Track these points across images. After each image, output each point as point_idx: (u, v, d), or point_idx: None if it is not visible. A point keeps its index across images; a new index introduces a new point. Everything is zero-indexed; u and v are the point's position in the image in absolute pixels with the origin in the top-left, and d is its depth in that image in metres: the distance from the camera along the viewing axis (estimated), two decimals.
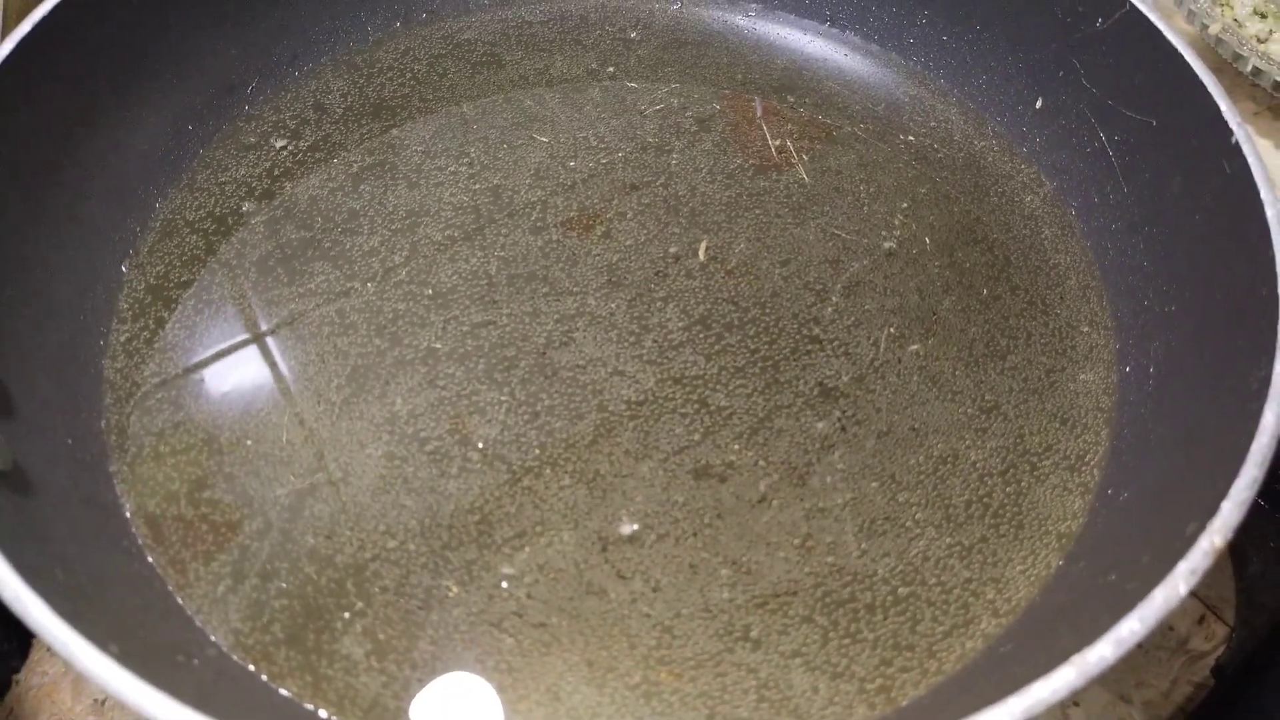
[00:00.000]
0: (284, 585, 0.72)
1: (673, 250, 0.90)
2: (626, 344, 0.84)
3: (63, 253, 0.83)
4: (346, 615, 0.71)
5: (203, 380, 0.81)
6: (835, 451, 0.79)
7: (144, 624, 0.67)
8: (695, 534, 0.75)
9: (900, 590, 0.72)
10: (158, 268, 0.88)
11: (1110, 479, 0.77)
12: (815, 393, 0.82)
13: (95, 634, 0.58)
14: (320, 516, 0.75)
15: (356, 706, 0.68)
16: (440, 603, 0.72)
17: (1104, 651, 0.55)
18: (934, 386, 0.82)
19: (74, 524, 0.71)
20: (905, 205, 0.93)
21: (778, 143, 0.98)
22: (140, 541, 0.73)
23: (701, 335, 0.85)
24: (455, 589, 0.72)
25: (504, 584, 0.73)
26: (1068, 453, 0.79)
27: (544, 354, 0.84)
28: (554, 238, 0.91)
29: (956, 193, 0.95)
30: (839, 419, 0.80)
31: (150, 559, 0.73)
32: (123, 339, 0.84)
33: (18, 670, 0.78)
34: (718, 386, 0.82)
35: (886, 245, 0.91)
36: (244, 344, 0.84)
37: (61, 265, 0.83)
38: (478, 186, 0.94)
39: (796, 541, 0.75)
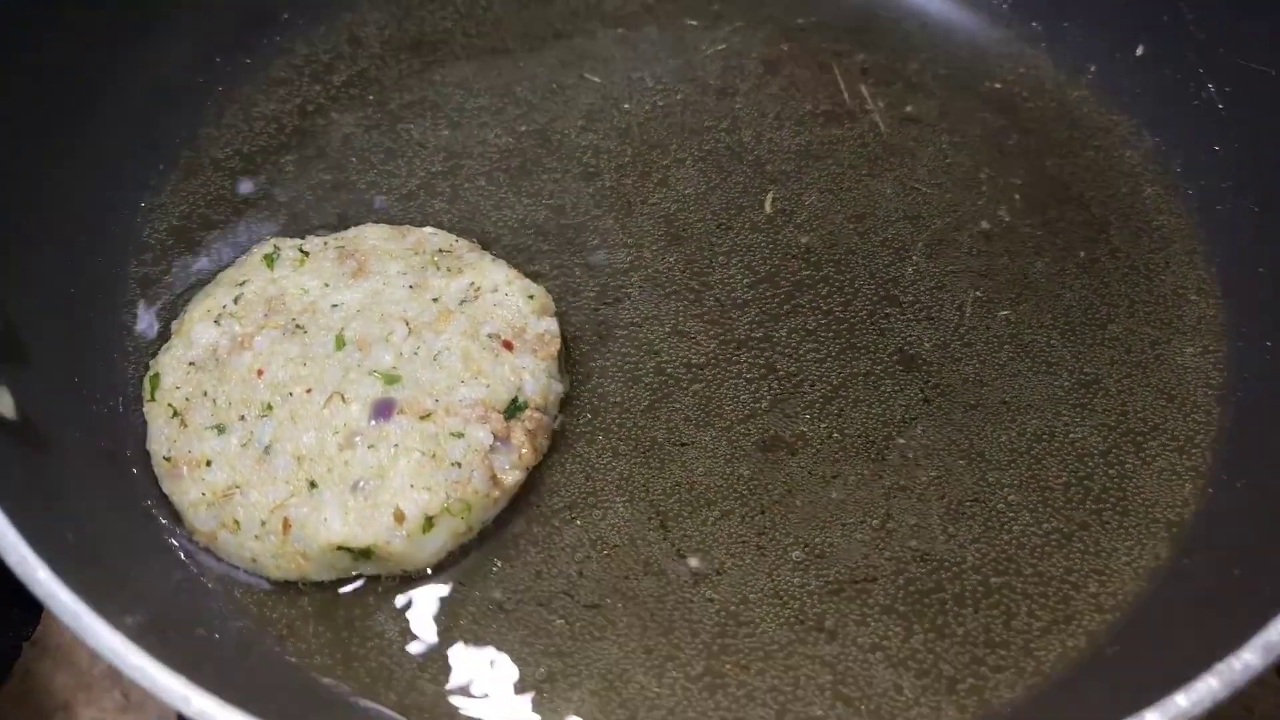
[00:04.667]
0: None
1: (737, 201, 0.82)
2: (686, 301, 0.77)
3: (81, 191, 0.77)
4: (379, 589, 0.65)
5: None
6: (918, 425, 0.72)
7: (163, 593, 0.62)
8: (763, 511, 0.68)
9: (992, 580, 0.65)
10: (181, 208, 0.81)
11: (1224, 463, 0.70)
12: (895, 360, 0.74)
13: (109, 605, 0.52)
14: None
15: (391, 690, 0.62)
16: (483, 578, 0.66)
17: (1250, 659, 0.48)
18: (1027, 357, 0.75)
19: (88, 481, 0.65)
20: (992, 158, 0.85)
21: (850, 88, 0.90)
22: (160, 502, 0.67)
23: (769, 294, 0.77)
24: (499, 563, 0.66)
25: (552, 559, 0.66)
26: (1176, 433, 0.71)
27: (596, 310, 0.77)
28: (607, 184, 0.83)
29: (1048, 146, 0.86)
30: (921, 389, 0.73)
31: (171, 521, 0.67)
32: (142, 282, 0.77)
33: (29, 637, 0.73)
34: (787, 350, 0.75)
35: (972, 201, 0.83)
36: None
37: (79, 204, 0.77)
38: (524, 128, 0.86)
39: (875, 523, 0.68)
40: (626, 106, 0.88)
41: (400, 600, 0.65)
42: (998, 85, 0.90)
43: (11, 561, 0.50)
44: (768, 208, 0.82)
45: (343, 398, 0.66)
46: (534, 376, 0.68)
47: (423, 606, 0.64)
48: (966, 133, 0.87)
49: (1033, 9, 0.93)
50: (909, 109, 0.88)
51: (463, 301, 0.71)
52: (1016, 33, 0.93)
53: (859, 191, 0.83)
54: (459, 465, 0.64)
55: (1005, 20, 0.94)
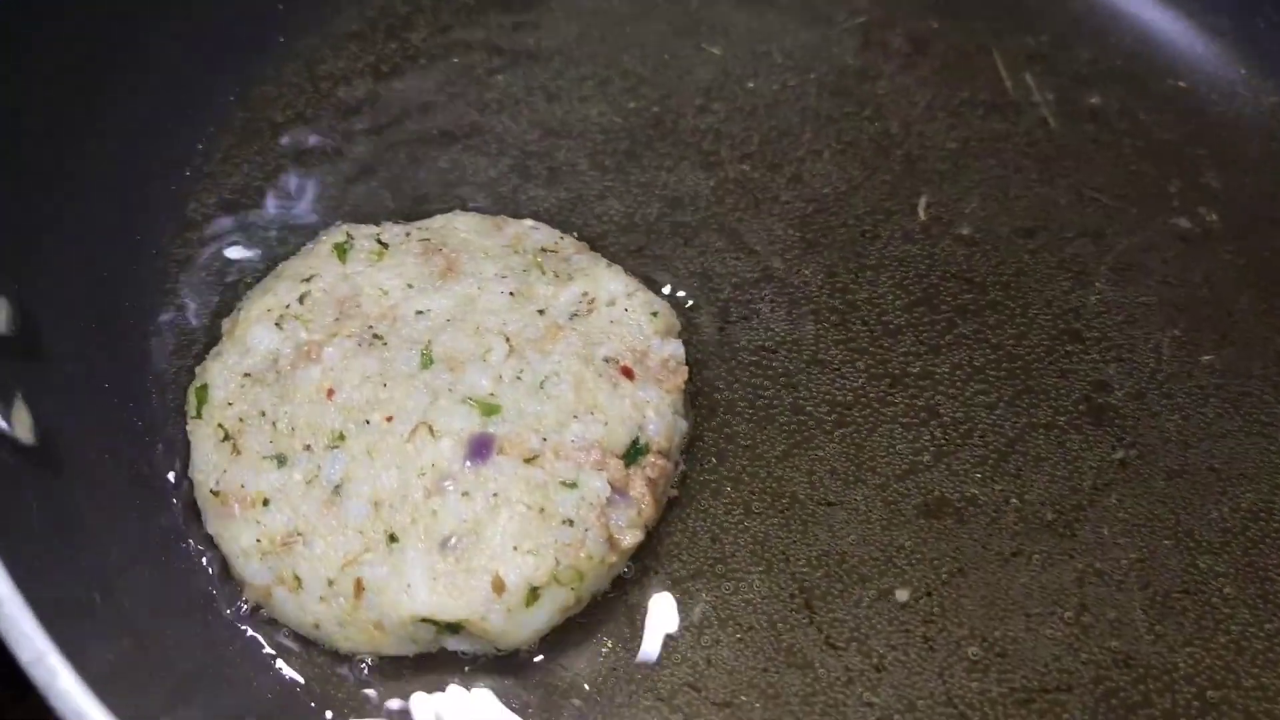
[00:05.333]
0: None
1: (884, 205, 0.70)
2: (827, 324, 0.65)
3: (114, 155, 0.65)
4: (465, 670, 0.54)
5: None
6: (1112, 492, 0.60)
7: (206, 671, 0.50)
8: (929, 594, 0.56)
9: (1209, 694, 0.54)
10: (233, 179, 0.70)
11: None
12: (1082, 409, 0.62)
13: (146, 709, 0.40)
14: None
15: None
16: (590, 662, 0.54)
17: None
18: (1237, 413, 0.63)
19: (118, 518, 0.54)
20: (1181, 168, 0.73)
21: (1013, 75, 0.77)
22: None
23: (926, 320, 0.65)
24: (609, 644, 0.55)
25: (675, 641, 0.55)
26: None
27: (720, 329, 0.65)
28: (730, 176, 0.71)
29: (1246, 159, 0.74)
30: (1114, 447, 0.61)
31: (217, 568, 0.55)
32: (187, 268, 0.65)
33: None
34: (951, 391, 0.63)
35: (1163, 219, 0.70)
36: None
37: (111, 171, 0.65)
38: (633, 105, 0.74)
39: (1068, 615, 0.56)
40: (751, 85, 0.76)
41: (489, 684, 0.53)
42: (1181, 84, 0.78)
43: (25, 659, 0.38)
44: (921, 214, 0.70)
45: (431, 430, 0.54)
46: (658, 413, 0.56)
47: (516, 694, 0.53)
48: (1150, 136, 0.74)
49: (1221, 1, 0.80)
50: (1082, 105, 0.76)
51: (573, 315, 0.59)
52: (1200, 25, 0.80)
53: (1029, 199, 0.71)
54: (570, 523, 0.52)
55: (1189, 11, 0.80)
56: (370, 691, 0.53)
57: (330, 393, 0.55)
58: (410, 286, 0.60)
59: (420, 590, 0.51)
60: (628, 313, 0.59)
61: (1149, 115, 0.75)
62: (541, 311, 0.59)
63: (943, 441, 0.61)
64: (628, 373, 0.57)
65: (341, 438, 0.54)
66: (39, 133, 0.60)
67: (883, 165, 0.72)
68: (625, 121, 0.74)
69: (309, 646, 0.53)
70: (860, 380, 0.63)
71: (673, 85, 0.75)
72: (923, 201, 0.71)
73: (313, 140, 0.72)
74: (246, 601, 0.54)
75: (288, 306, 0.59)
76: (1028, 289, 0.67)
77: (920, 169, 0.72)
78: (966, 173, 0.72)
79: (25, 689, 0.38)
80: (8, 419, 0.48)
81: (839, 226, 0.69)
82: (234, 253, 0.66)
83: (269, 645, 0.53)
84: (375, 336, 0.57)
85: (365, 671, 0.53)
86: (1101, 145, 0.74)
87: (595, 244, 0.67)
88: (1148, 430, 0.62)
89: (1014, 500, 0.59)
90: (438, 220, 0.64)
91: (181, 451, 0.57)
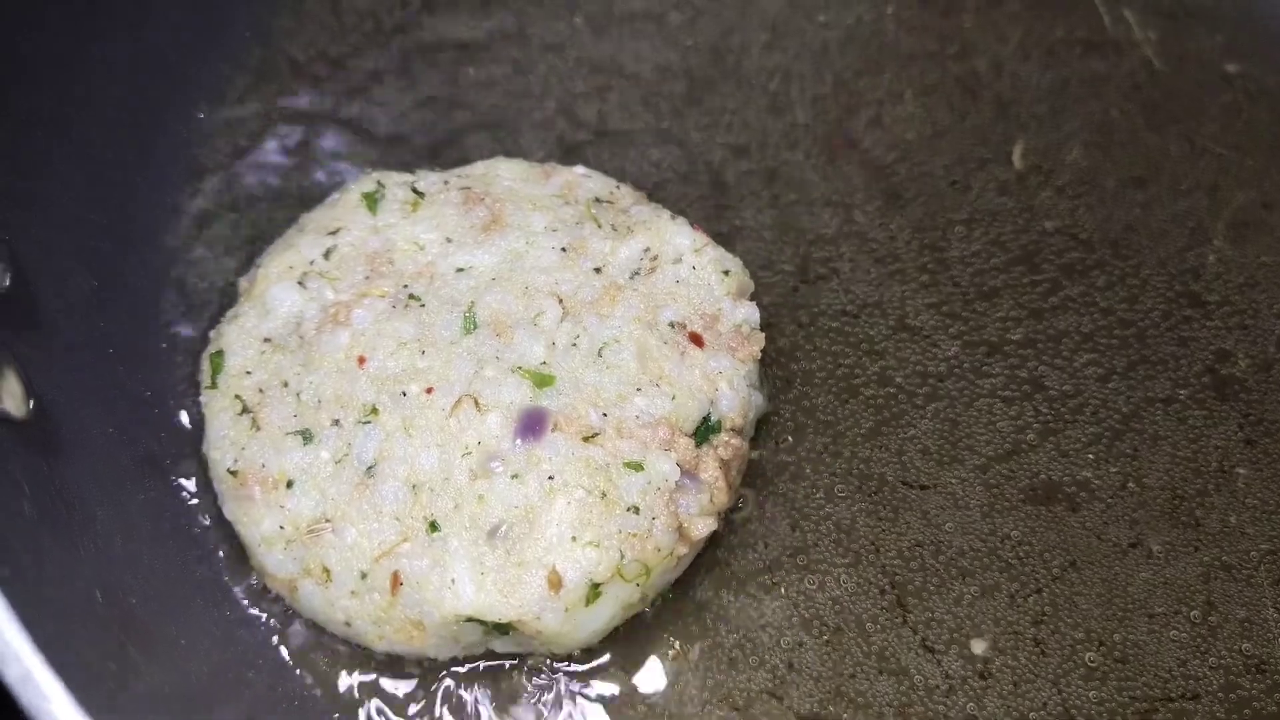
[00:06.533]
0: None
1: (975, 152, 0.63)
2: (914, 284, 0.59)
3: (121, 98, 0.59)
4: (514, 675, 0.48)
5: None
6: (1239, 475, 0.53)
7: (223, 679, 0.44)
8: (1039, 591, 0.50)
9: None
10: (250, 123, 0.64)
11: None
12: (1205, 382, 0.56)
13: None
14: None
15: None
16: (655, 665, 0.48)
17: None
18: None
19: (122, 503, 0.48)
20: None
21: (1111, 11, 0.69)
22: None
23: (1026, 281, 0.59)
24: (677, 644, 0.49)
25: (751, 643, 0.49)
26: None
27: (795, 291, 0.59)
28: (801, 121, 0.65)
29: None
30: (1240, 426, 0.55)
31: (234, 558, 0.49)
32: (199, 221, 0.59)
33: None
34: (1057, 361, 0.56)
35: None
36: None
37: (116, 111, 0.59)
38: (691, 42, 0.67)
39: (1194, 614, 0.50)
40: (822, 19, 0.69)
41: (540, 691, 0.47)
42: None
43: (10, 678, 0.32)
44: (1017, 162, 0.63)
45: (476, 403, 0.48)
46: (731, 385, 0.50)
47: (571, 703, 0.47)
48: (1264, 81, 0.68)
49: None
50: (1189, 44, 0.69)
51: (634, 274, 0.52)
52: None
53: (1135, 148, 0.64)
54: (636, 511, 0.46)
55: None
56: (407, 697, 0.47)
57: (361, 360, 0.49)
58: (449, 241, 0.53)
59: (466, 586, 0.45)
60: (695, 271, 0.53)
61: (1260, 58, 0.68)
62: (598, 270, 0.52)
63: (1049, 418, 0.55)
64: (697, 340, 0.51)
65: (374, 412, 0.48)
66: (33, 65, 0.53)
67: (972, 109, 0.65)
68: (683, 60, 0.67)
69: (339, 645, 0.47)
70: (954, 348, 0.57)
71: (734, 19, 0.69)
72: (1018, 149, 0.64)
73: (337, 80, 0.65)
74: (268, 594, 0.47)
75: (312, 263, 0.52)
76: (1139, 246, 0.60)
77: (1014, 113, 0.65)
78: (1066, 118, 0.65)
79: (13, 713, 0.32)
80: None
81: (925, 176, 0.62)
82: (251, 203, 0.60)
83: (294, 644, 0.47)
84: (411, 297, 0.51)
85: (403, 674, 0.47)
86: (1210, 90, 0.66)
87: (653, 195, 0.61)
88: (1276, 405, 0.55)
89: (1131, 484, 0.53)
90: (479, 167, 0.58)
91: (195, 426, 0.51)
